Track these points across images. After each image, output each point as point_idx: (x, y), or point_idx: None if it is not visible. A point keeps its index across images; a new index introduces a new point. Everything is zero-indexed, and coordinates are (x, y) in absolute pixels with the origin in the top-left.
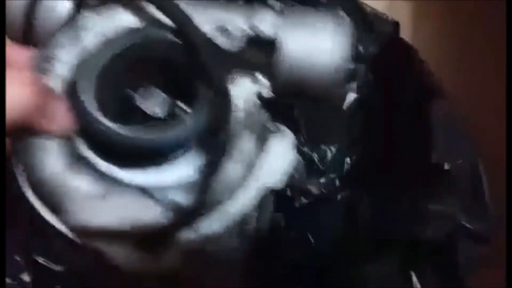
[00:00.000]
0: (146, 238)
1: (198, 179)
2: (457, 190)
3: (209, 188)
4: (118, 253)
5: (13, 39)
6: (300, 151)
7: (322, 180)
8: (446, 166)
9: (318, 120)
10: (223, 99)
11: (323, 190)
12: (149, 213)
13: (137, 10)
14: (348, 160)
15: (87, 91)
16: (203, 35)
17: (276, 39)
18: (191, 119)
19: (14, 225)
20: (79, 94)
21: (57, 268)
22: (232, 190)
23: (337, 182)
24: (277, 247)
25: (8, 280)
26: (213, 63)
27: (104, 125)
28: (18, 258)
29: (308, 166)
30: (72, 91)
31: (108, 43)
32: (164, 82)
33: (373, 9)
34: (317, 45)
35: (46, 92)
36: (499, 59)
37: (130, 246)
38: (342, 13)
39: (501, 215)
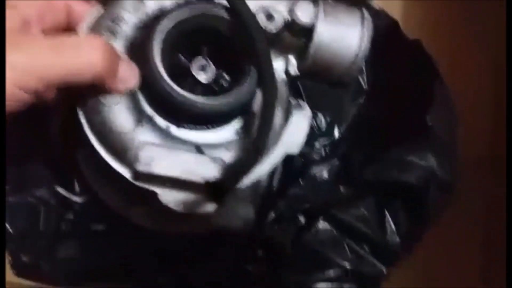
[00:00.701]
0: (199, 189)
1: (239, 140)
2: (436, 146)
3: (259, 153)
4: (170, 197)
5: None
6: None
7: (316, 143)
8: (429, 123)
9: (318, 92)
10: (271, 76)
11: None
12: (203, 167)
13: None
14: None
15: (156, 53)
16: (253, 15)
17: (311, 27)
18: (237, 91)
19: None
20: (153, 55)
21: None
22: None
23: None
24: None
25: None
26: (263, 42)
27: (170, 86)
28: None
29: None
30: (144, 52)
31: (171, 12)
32: (212, 52)
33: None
34: (345, 38)
35: (115, 54)
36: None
37: (182, 192)
38: (366, 12)
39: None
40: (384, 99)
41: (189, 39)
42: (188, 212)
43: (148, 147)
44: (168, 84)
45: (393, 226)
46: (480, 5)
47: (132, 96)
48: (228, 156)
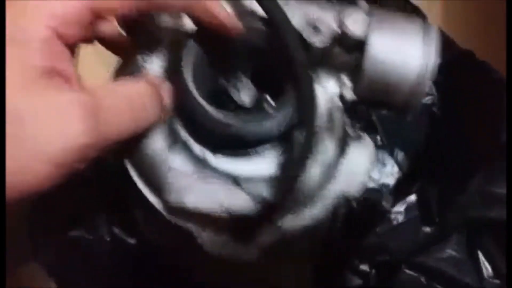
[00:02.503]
0: (233, 226)
1: (281, 175)
2: None
3: (294, 186)
4: (205, 235)
5: None
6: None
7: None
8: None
9: (393, 125)
10: (309, 98)
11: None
12: (238, 202)
13: None
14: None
15: (188, 75)
16: (293, 29)
17: (364, 40)
18: (278, 113)
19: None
20: (185, 77)
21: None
22: (311, 192)
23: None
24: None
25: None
26: (302, 59)
27: (204, 108)
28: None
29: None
30: (176, 74)
31: None
32: (253, 73)
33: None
34: (405, 50)
35: (160, 86)
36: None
37: (217, 230)
38: (428, 21)
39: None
40: (455, 126)
41: (228, 58)
42: (228, 258)
43: (180, 176)
44: (200, 105)
45: (489, 269)
46: None
47: (168, 121)
48: (268, 192)
